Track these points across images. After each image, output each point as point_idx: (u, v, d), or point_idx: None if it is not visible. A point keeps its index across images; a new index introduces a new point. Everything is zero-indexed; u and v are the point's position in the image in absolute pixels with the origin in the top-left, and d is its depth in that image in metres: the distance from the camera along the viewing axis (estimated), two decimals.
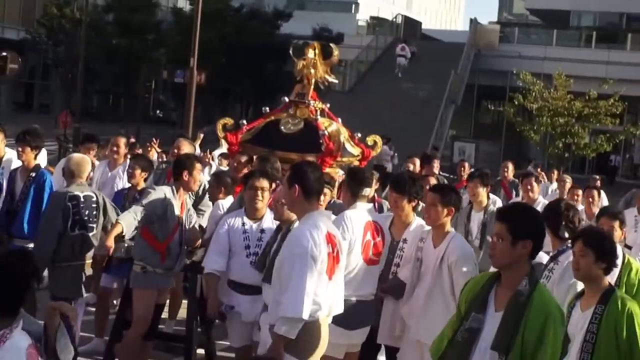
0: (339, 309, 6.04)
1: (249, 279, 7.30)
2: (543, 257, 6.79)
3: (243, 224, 7.46)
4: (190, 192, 8.43)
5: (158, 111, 69.40)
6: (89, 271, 8.12)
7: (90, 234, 8.11)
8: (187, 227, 8.01)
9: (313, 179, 5.81)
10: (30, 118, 54.89)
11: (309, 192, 5.77)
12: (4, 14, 61.43)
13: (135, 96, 54.45)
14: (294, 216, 6.54)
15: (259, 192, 7.44)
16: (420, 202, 7.69)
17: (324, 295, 5.69)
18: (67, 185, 8.18)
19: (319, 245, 5.61)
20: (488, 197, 10.46)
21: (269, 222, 7.42)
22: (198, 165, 8.03)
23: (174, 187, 7.86)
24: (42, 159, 12.84)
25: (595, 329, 5.45)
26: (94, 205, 8.15)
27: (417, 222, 7.40)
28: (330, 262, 5.72)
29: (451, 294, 6.71)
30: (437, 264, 6.78)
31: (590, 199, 11.71)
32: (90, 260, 8.09)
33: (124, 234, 7.72)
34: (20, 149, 8.90)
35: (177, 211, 7.81)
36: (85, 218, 8.06)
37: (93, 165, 10.07)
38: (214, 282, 7.47)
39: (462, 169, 13.98)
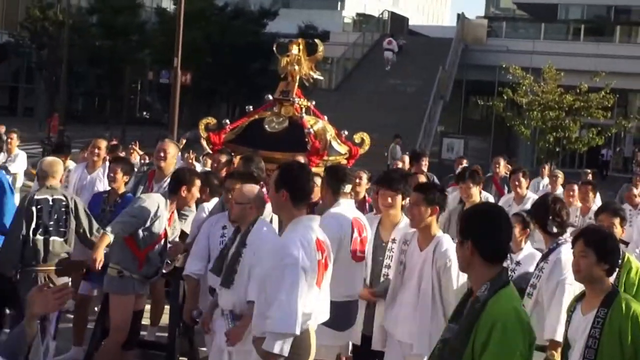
0: (325, 316, 5.71)
1: None
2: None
3: (223, 227, 7.15)
4: None
5: (145, 112, 69.13)
6: (62, 278, 7.81)
7: (62, 239, 7.89)
8: (169, 238, 7.77)
9: (302, 183, 5.47)
10: (15, 121, 54.64)
11: (297, 197, 5.43)
12: None
13: (120, 98, 54.13)
14: (252, 216, 6.37)
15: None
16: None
17: (313, 305, 5.38)
18: (38, 188, 7.99)
19: (309, 254, 5.28)
20: (480, 195, 10.16)
21: None
22: (197, 182, 7.75)
23: (167, 200, 7.65)
24: (22, 161, 12.68)
25: (598, 333, 5.13)
26: (63, 209, 7.91)
27: (405, 220, 7.09)
28: (320, 270, 5.41)
29: (439, 300, 6.41)
30: (424, 267, 6.46)
31: (585, 195, 11.41)
32: (53, 268, 7.83)
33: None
34: None
35: (164, 223, 7.60)
36: (52, 222, 7.82)
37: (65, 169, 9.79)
38: (191, 285, 7.22)
39: (460, 166, 13.70)
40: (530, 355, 4.13)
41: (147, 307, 8.84)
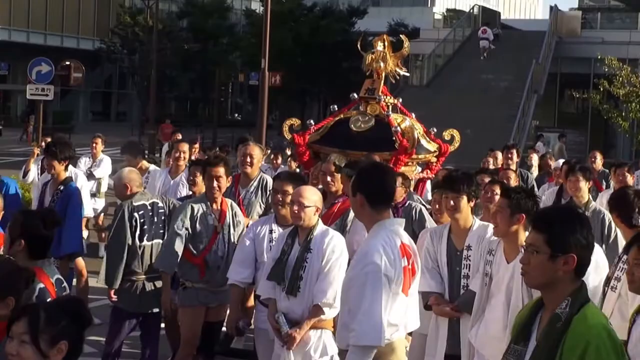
0: (415, 324, 5.35)
1: None
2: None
3: (271, 231, 6.76)
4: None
5: (236, 114, 69.74)
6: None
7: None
8: (232, 237, 7.45)
9: (379, 185, 5.07)
10: (108, 127, 55.74)
11: (374, 200, 5.03)
12: (79, 25, 62.42)
13: (211, 101, 54.64)
14: (313, 221, 6.00)
15: (282, 197, 6.75)
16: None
17: (400, 315, 5.02)
18: (128, 198, 7.73)
19: (393, 261, 4.89)
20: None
21: None
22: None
23: (207, 202, 7.47)
24: (107, 166, 12.67)
25: None
26: (162, 211, 7.80)
27: (477, 223, 6.57)
28: (407, 276, 5.03)
29: None
30: (512, 282, 5.73)
31: None
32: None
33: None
34: (48, 163, 8.63)
35: (211, 222, 7.36)
36: (153, 227, 7.69)
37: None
38: (236, 294, 6.86)
39: (547, 163, 13.20)
40: None
41: None
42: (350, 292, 4.98)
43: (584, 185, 9.05)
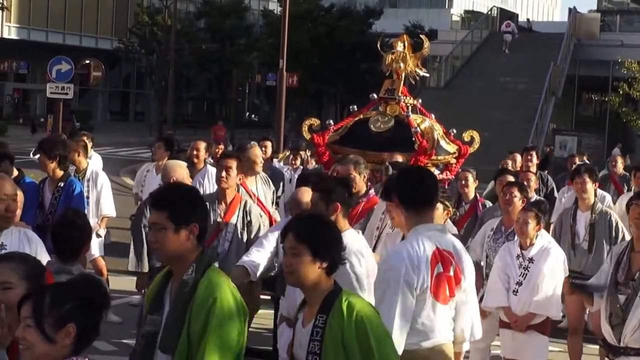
0: (477, 334, 5.19)
1: None
2: None
3: None
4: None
5: (253, 115, 69.79)
6: None
7: None
8: (240, 235, 7.40)
9: (414, 188, 4.93)
10: (127, 126, 55.94)
11: (408, 203, 4.91)
12: (98, 25, 62.64)
13: (229, 101, 54.70)
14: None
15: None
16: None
17: (432, 322, 4.84)
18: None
19: (417, 267, 4.73)
20: (595, 194, 9.48)
21: None
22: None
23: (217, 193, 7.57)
24: (98, 165, 12.41)
25: (318, 347, 4.21)
26: None
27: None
28: (442, 284, 4.84)
29: None
30: None
31: None
32: None
33: None
34: (40, 161, 8.58)
35: (214, 218, 7.28)
36: None
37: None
38: (235, 273, 6.38)
39: (573, 164, 13.13)
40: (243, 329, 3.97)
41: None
42: (375, 295, 4.93)
43: (590, 187, 9.01)
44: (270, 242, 6.65)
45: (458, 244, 5.06)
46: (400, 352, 4.64)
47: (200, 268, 3.96)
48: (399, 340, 4.68)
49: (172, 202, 3.98)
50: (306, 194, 6.41)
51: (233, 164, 7.47)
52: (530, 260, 7.12)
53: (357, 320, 3.94)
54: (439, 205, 6.09)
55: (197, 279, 3.93)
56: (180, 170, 7.94)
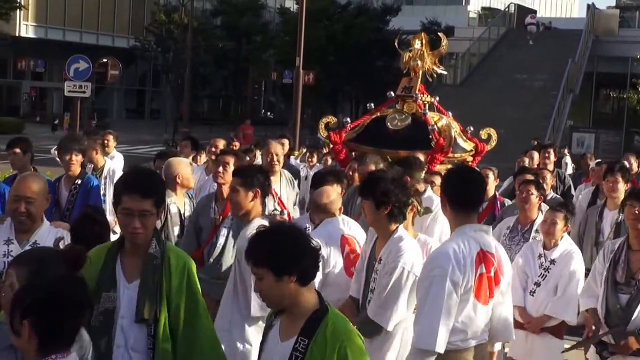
0: (510, 335, 5.22)
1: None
2: None
3: (305, 229, 6.48)
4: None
5: (269, 113, 69.84)
6: None
7: None
8: (237, 229, 7.35)
9: (462, 189, 4.92)
10: (143, 124, 56.07)
11: (456, 203, 4.90)
12: (114, 24, 62.82)
13: (245, 99, 54.73)
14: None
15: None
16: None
17: (473, 322, 4.85)
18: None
19: (463, 267, 4.73)
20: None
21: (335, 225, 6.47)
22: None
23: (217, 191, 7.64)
24: (119, 164, 12.36)
25: None
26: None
27: (400, 232, 5.78)
28: (483, 284, 4.85)
29: None
30: None
31: None
32: None
33: None
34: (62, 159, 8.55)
35: (212, 215, 7.33)
36: None
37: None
38: None
39: (587, 162, 13.06)
40: None
41: None
42: (418, 293, 4.94)
43: (622, 187, 8.90)
44: None
45: (498, 245, 5.06)
46: (442, 350, 4.70)
47: (160, 242, 4.35)
48: (443, 340, 4.69)
49: (157, 190, 4.31)
50: (324, 196, 6.43)
51: (231, 160, 7.65)
52: (552, 262, 7.04)
53: (340, 351, 3.70)
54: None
55: (164, 251, 4.32)
56: (184, 167, 7.92)
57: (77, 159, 8.51)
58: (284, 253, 3.70)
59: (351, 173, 9.05)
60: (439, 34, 10.72)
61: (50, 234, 5.23)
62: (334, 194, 6.52)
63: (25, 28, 57.04)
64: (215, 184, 9.48)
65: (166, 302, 4.24)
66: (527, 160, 12.64)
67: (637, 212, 5.92)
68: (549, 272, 7.03)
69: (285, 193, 8.97)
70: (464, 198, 4.91)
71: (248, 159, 11.12)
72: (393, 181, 5.69)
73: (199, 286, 4.43)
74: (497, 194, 9.81)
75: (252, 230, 5.27)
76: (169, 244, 4.45)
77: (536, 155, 12.87)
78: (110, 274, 4.26)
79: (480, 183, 5.14)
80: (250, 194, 5.84)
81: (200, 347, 4.32)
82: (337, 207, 6.38)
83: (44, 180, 5.42)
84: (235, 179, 5.99)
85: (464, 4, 76.83)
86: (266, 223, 5.50)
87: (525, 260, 7.19)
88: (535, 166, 12.19)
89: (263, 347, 4.02)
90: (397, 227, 5.63)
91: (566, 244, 7.14)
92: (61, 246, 4.55)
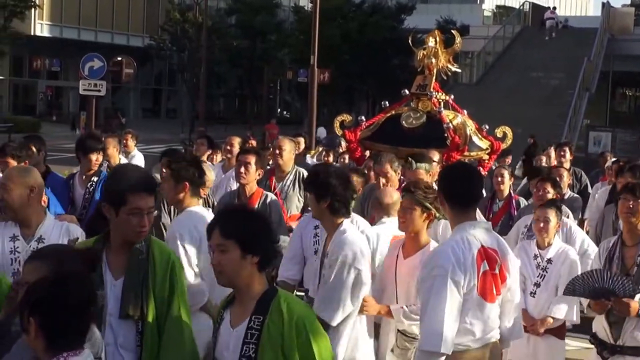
0: (519, 333, 5.15)
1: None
2: None
3: (315, 227, 6.42)
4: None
5: (285, 112, 69.83)
6: None
7: None
8: None
9: (459, 186, 4.83)
10: (158, 123, 56.14)
11: (452, 201, 4.81)
12: (129, 23, 62.96)
13: (260, 98, 54.74)
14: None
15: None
16: None
17: (480, 321, 4.76)
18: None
19: (463, 264, 4.63)
20: None
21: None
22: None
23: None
24: (139, 163, 12.32)
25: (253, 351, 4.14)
26: None
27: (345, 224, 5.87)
28: (488, 282, 4.74)
29: None
30: None
31: None
32: None
33: None
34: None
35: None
36: None
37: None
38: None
39: (605, 162, 12.98)
40: None
41: None
42: (419, 294, 4.88)
43: None
44: (298, 245, 6.52)
45: (502, 241, 4.96)
46: (449, 351, 4.61)
47: (146, 237, 4.37)
48: (449, 340, 4.60)
49: (156, 185, 4.49)
50: (387, 196, 6.41)
51: (252, 159, 7.56)
52: (549, 261, 6.91)
53: (297, 323, 3.76)
54: None
55: (148, 245, 4.34)
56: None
57: (100, 157, 8.55)
58: (257, 232, 3.79)
59: (366, 171, 9.06)
60: (453, 31, 10.63)
61: (55, 228, 5.19)
62: (395, 194, 6.47)
63: (40, 27, 57.20)
64: (232, 181, 9.53)
65: (153, 298, 4.27)
66: (544, 159, 12.60)
67: (630, 205, 5.88)
68: (547, 272, 6.90)
69: (291, 191, 8.76)
70: (461, 195, 4.81)
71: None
72: (335, 175, 5.64)
73: (184, 282, 4.50)
74: (512, 193, 9.74)
75: (182, 217, 5.87)
76: (153, 238, 4.48)
77: (552, 153, 12.82)
78: (97, 272, 4.19)
79: (477, 178, 5.05)
80: (179, 186, 5.97)
81: (175, 341, 4.31)
82: (397, 209, 6.24)
83: (32, 173, 5.25)
84: (166, 171, 6.21)
85: (478, 2, 76.54)
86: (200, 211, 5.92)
87: (520, 262, 7.08)
88: (552, 164, 12.15)
89: (216, 339, 3.99)
90: (342, 221, 5.60)
91: (559, 242, 7.06)
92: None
